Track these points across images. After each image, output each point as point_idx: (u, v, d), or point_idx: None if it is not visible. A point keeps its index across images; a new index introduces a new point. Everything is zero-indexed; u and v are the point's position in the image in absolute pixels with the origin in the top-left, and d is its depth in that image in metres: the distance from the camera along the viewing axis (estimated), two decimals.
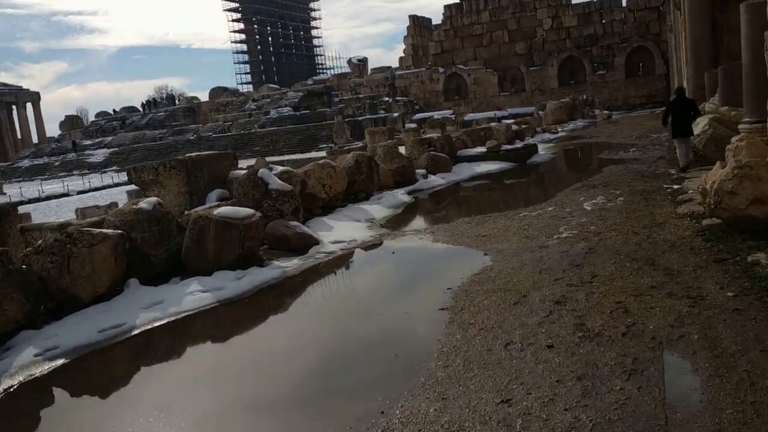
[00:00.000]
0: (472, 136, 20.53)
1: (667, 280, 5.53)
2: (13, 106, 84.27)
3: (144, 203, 8.13)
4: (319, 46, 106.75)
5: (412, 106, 54.23)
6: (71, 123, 71.34)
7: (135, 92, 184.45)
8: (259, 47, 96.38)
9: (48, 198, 37.03)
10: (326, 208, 12.01)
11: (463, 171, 16.78)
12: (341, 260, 8.28)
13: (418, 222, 10.81)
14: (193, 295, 7.00)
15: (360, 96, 56.78)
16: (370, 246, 8.94)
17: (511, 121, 30.69)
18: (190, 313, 6.55)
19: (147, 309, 6.62)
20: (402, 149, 19.31)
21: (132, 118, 67.19)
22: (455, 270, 6.99)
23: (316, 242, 8.95)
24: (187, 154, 10.81)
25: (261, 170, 10.03)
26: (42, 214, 25.20)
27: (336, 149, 32.99)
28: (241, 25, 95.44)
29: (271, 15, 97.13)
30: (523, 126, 26.79)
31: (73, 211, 19.49)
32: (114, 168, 52.20)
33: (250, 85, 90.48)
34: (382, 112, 51.85)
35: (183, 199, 10.09)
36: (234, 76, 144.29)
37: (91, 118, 77.09)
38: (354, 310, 6.08)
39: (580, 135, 27.09)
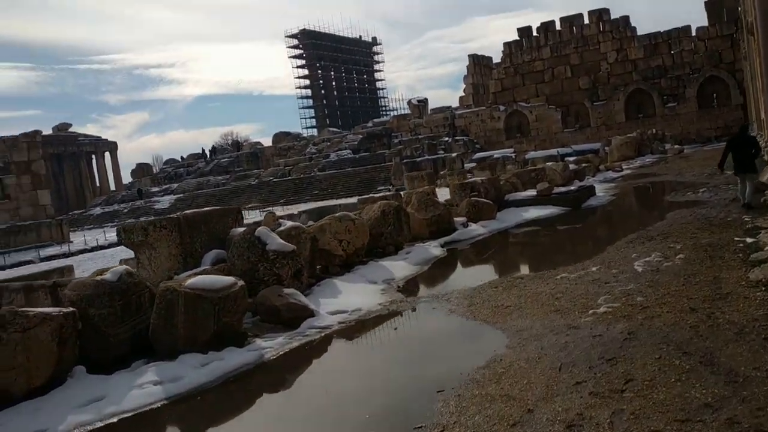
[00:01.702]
0: (523, 178, 19.02)
1: (728, 393, 3.97)
2: (93, 156, 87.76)
3: (109, 273, 7.12)
4: (383, 89, 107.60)
5: (472, 145, 52.85)
6: (142, 171, 73.67)
7: (209, 139, 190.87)
8: (322, 92, 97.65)
9: (109, 246, 37.41)
10: (345, 266, 10.81)
11: (508, 218, 15.27)
12: (330, 340, 6.98)
13: (440, 284, 9.40)
14: (141, 388, 5.85)
15: (419, 137, 55.93)
16: (373, 318, 7.61)
17: (573, 158, 28.96)
18: (128, 415, 5.38)
19: (80, 409, 5.51)
20: (447, 193, 18.08)
21: (198, 164, 68.66)
22: (458, 359, 5.58)
23: (311, 314, 7.70)
24: (183, 212, 9.86)
25: (259, 228, 8.93)
26: (94, 264, 25.08)
27: (376, 194, 31.96)
28: (306, 71, 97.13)
29: (335, 60, 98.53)
30: (584, 165, 25.07)
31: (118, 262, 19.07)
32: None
33: (315, 129, 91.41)
34: (441, 152, 50.70)
35: (175, 263, 9.08)
36: (299, 121, 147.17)
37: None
38: (309, 422, 4.75)
39: (646, 173, 25.02)
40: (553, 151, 39.69)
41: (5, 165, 36.95)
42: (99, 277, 7.05)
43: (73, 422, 5.26)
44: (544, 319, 6.39)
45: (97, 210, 64.56)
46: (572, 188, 17.50)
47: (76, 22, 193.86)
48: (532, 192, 17.29)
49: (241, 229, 9.46)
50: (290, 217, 27.82)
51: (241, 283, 7.28)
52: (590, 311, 6.37)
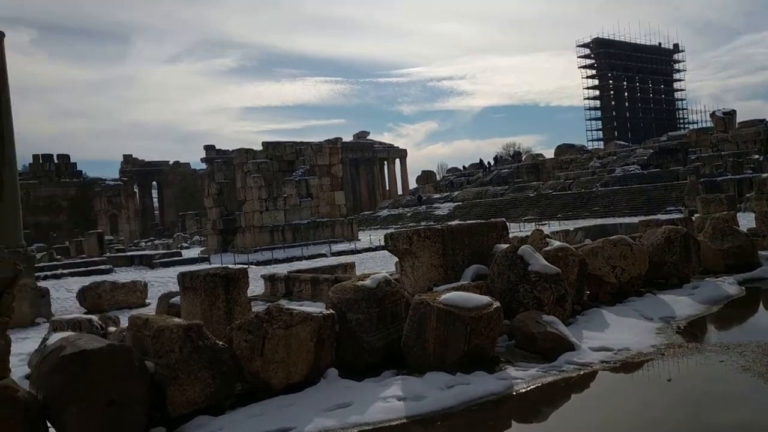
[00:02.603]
0: None
1: None
2: (385, 162, 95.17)
3: (369, 280, 7.26)
4: (682, 100, 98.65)
5: None
6: (426, 177, 77.67)
7: (492, 149, 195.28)
8: (612, 103, 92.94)
9: None
10: (617, 294, 9.76)
11: None
12: (589, 381, 6.19)
13: (732, 330, 7.92)
14: (385, 401, 5.78)
15: (722, 153, 49.83)
16: (642, 362, 6.61)
17: None
18: (368, 428, 5.32)
19: (326, 412, 5.61)
20: (752, 220, 15.67)
21: (478, 174, 70.15)
22: None
23: (570, 347, 6.98)
24: (447, 223, 9.78)
25: (522, 247, 8.43)
26: (373, 263, 26.93)
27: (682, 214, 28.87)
28: (596, 81, 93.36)
29: (628, 69, 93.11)
30: None
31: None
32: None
33: (601, 143, 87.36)
34: (749, 171, 44.38)
35: (436, 274, 9.02)
36: (585, 133, 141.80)
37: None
38: None
39: None
40: None
41: (311, 168, 41.67)
42: (359, 282, 7.23)
43: (318, 425, 5.36)
44: None
45: (384, 212, 69.64)
46: None
47: (382, 40, 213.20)
48: None
49: (504, 246, 9.05)
50: (565, 233, 26.72)
51: (496, 304, 6.88)
52: None
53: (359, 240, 42.00)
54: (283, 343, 6.13)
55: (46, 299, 16.32)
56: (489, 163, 73.72)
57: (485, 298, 6.96)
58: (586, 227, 29.25)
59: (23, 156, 71.60)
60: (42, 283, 20.32)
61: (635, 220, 31.83)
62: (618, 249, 9.87)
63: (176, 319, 6.20)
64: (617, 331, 7.80)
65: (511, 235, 24.11)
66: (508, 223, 10.58)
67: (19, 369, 8.16)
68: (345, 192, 48.01)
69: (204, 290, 7.55)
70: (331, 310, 6.79)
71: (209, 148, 69.38)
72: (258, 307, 10.70)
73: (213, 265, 29.67)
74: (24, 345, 10.85)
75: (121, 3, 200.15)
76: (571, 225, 36.97)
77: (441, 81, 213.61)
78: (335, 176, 43.23)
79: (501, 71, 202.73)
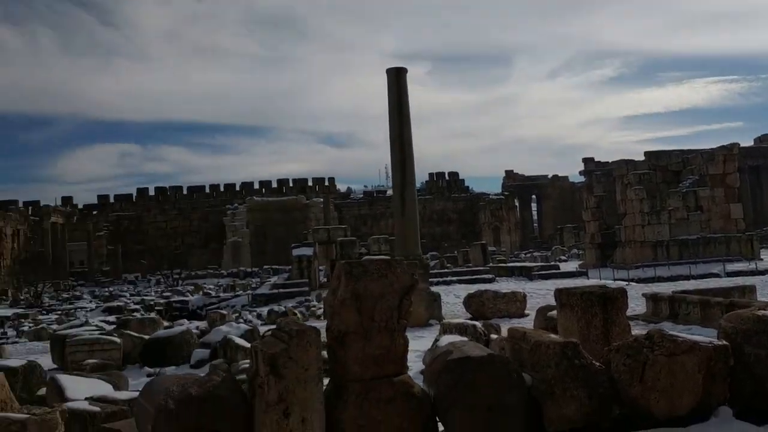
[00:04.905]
0: None
1: None
2: None
3: None
4: None
5: None
6: None
7: None
8: None
9: None
10: None
11: None
12: None
13: None
14: None
15: None
16: None
17: None
18: None
19: None
20: None
21: None
22: None
23: None
24: None
25: None
26: None
27: None
28: None
29: None
30: None
31: None
32: None
33: None
34: None
35: None
36: None
37: None
38: None
39: None
40: None
41: (700, 177, 38.01)
42: (760, 312, 6.28)
43: None
44: None
45: None
46: None
47: None
48: None
49: None
50: None
51: None
52: None
53: (761, 260, 36.65)
54: (666, 371, 5.66)
55: (437, 303, 18.19)
56: None
57: None
58: None
59: (421, 175, 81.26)
60: (434, 288, 22.67)
61: None
62: None
63: (552, 336, 6.26)
64: None
65: None
66: None
67: (415, 364, 9.21)
68: (743, 204, 42.43)
69: (581, 308, 7.45)
70: (724, 341, 6.04)
71: (587, 161, 68.61)
72: (638, 329, 10.18)
73: (591, 280, 29.20)
74: (420, 343, 12.22)
75: (504, 26, 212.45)
76: None
77: None
78: (730, 186, 38.57)
79: None
